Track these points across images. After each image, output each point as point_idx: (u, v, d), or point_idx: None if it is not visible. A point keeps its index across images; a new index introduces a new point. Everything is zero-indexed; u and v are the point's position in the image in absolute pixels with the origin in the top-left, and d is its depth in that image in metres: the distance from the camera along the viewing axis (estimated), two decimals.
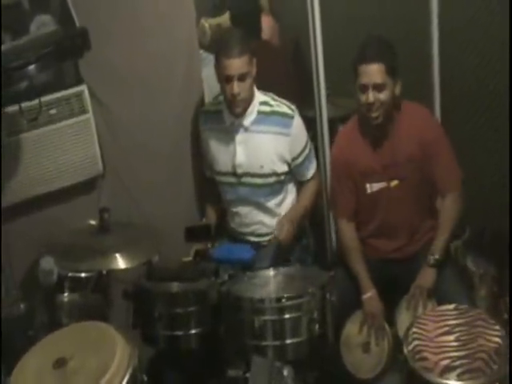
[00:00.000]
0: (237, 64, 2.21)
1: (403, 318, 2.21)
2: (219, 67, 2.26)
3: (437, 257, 2.25)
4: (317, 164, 2.58)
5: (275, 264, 2.18)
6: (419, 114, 2.32)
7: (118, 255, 1.94)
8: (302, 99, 3.08)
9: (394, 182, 2.29)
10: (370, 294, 2.29)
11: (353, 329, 2.29)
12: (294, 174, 2.44)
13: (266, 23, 3.74)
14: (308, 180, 2.48)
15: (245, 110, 2.32)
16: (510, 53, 2.32)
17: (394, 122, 2.27)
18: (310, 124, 2.95)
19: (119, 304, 2.10)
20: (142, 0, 2.42)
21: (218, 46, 2.29)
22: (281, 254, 2.29)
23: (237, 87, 2.23)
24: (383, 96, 2.18)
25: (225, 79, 2.25)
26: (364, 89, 2.19)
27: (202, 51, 2.77)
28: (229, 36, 2.30)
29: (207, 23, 3.69)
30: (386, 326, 2.26)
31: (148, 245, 2.05)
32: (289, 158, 2.37)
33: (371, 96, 2.17)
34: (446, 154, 2.29)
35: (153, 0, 2.45)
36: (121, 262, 1.93)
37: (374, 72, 2.16)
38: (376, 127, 2.25)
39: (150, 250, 2.03)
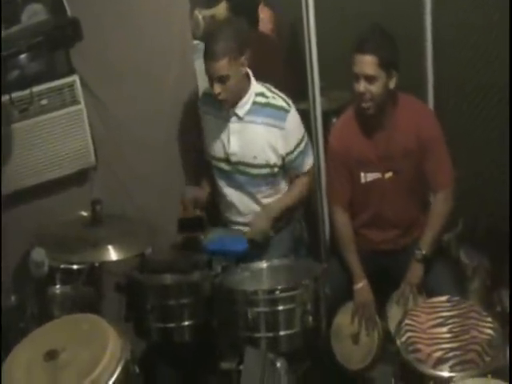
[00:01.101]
0: (215, 67, 2.20)
1: (394, 313, 2.21)
2: (205, 65, 2.27)
3: (424, 252, 2.26)
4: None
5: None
6: (418, 109, 2.32)
7: (110, 247, 1.93)
8: (298, 92, 3.08)
9: (389, 174, 2.29)
10: (361, 285, 2.29)
11: (343, 319, 2.28)
12: (287, 169, 2.41)
13: (265, 14, 3.72)
14: (299, 176, 2.44)
15: (235, 103, 2.31)
16: (510, 48, 2.29)
17: (391, 115, 2.26)
18: (304, 116, 2.95)
19: (111, 296, 2.09)
20: None
21: (204, 45, 2.27)
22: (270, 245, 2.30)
23: (217, 88, 2.23)
24: (374, 88, 2.18)
25: (208, 78, 2.27)
26: (356, 78, 2.20)
27: (197, 42, 2.75)
28: (213, 36, 2.25)
29: (201, 14, 3.66)
30: (377, 318, 2.26)
31: (141, 237, 2.04)
32: (282, 151, 2.35)
33: (362, 86, 2.18)
34: (441, 152, 2.29)
35: None
36: (113, 254, 1.92)
37: (366, 63, 2.17)
38: (371, 118, 2.25)
39: (143, 242, 2.02)
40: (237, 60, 2.24)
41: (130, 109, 2.44)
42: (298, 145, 2.38)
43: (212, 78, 2.23)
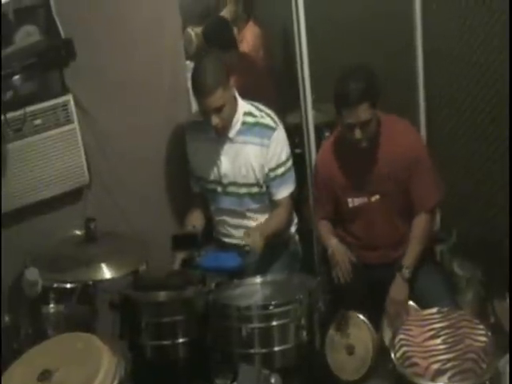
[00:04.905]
0: (211, 100, 2.22)
1: (388, 332, 2.22)
2: (197, 101, 2.29)
3: (408, 271, 2.26)
4: (303, 171, 2.57)
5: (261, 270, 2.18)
6: (401, 129, 2.31)
7: (103, 265, 1.94)
8: (290, 106, 3.11)
9: (375, 197, 2.30)
10: (333, 241, 2.31)
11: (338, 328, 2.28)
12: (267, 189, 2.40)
13: (251, 31, 3.77)
14: (277, 201, 2.41)
15: (227, 126, 2.32)
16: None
17: (375, 138, 2.26)
18: (297, 130, 2.97)
19: (106, 314, 2.09)
20: (127, 10, 2.42)
21: (192, 82, 2.29)
22: (267, 261, 2.31)
23: (215, 119, 2.25)
24: (370, 128, 2.19)
25: (203, 112, 2.28)
26: (350, 127, 2.17)
27: (188, 62, 2.78)
28: (199, 71, 2.26)
29: (193, 32, 3.73)
30: (371, 327, 2.25)
31: (134, 254, 2.05)
32: (266, 168, 2.36)
33: (358, 134, 2.17)
34: (425, 173, 2.28)
35: (138, 10, 2.45)
36: (106, 272, 1.92)
37: (359, 113, 2.13)
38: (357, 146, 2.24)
39: (137, 259, 2.03)
40: (227, 87, 2.26)
41: (123, 127, 2.45)
42: (279, 166, 2.36)
43: (208, 111, 2.25)
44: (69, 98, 2.30)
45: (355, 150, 2.25)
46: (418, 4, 2.84)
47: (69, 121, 2.31)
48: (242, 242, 2.41)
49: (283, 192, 2.41)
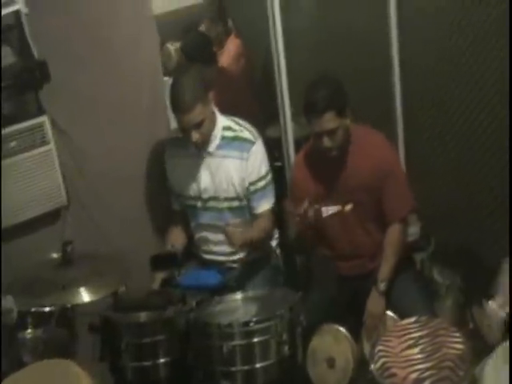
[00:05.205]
0: (190, 117, 2.22)
1: (367, 344, 2.23)
2: (176, 118, 2.29)
3: (383, 284, 2.28)
4: (282, 184, 2.58)
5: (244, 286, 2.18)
6: (373, 141, 2.33)
7: (81, 289, 1.92)
8: (270, 119, 3.12)
9: (349, 207, 2.32)
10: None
11: (319, 343, 2.28)
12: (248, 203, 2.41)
13: (232, 45, 3.80)
14: (257, 215, 2.42)
15: (207, 141, 2.33)
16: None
17: (347, 149, 2.29)
18: (277, 144, 2.99)
19: (85, 337, 2.08)
20: (104, 29, 2.42)
21: (170, 99, 2.29)
22: (249, 276, 2.30)
23: (195, 135, 2.26)
24: (337, 137, 2.21)
25: (182, 129, 2.29)
26: (318, 136, 2.21)
27: (166, 78, 2.78)
28: (177, 87, 2.26)
29: (173, 47, 3.75)
30: (351, 339, 2.26)
31: (113, 276, 2.03)
32: (246, 182, 2.37)
33: (326, 142, 2.20)
34: (397, 184, 2.31)
35: (115, 28, 2.46)
36: (84, 296, 1.91)
37: (325, 121, 2.17)
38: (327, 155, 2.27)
39: (115, 281, 2.02)
40: (206, 102, 2.27)
41: (101, 146, 2.45)
42: (258, 180, 2.38)
43: (187, 128, 2.25)
44: (44, 119, 2.29)
45: (327, 159, 2.29)
46: (394, 14, 2.88)
47: (45, 142, 2.30)
48: (223, 259, 2.43)
49: (264, 205, 2.42)
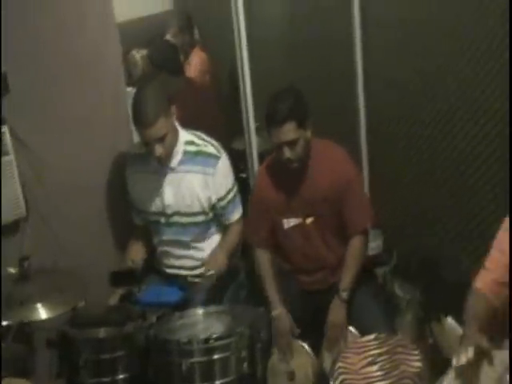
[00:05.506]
0: (152, 131, 2.20)
1: (327, 356, 2.25)
2: (138, 132, 2.27)
3: (345, 294, 2.30)
4: (246, 195, 2.58)
5: (209, 302, 2.18)
6: (333, 154, 2.36)
7: (38, 305, 1.88)
8: (237, 131, 3.13)
9: (310, 219, 2.34)
10: (278, 311, 2.32)
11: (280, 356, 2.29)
12: (218, 216, 2.43)
13: (197, 57, 3.78)
14: (232, 224, 2.46)
15: (169, 155, 2.32)
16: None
17: (308, 162, 2.31)
18: (241, 156, 2.99)
19: (44, 352, 2.04)
20: (66, 39, 2.39)
21: (132, 112, 2.27)
22: (215, 292, 2.29)
23: (158, 149, 2.24)
24: (298, 148, 2.23)
25: (144, 142, 2.26)
26: (279, 147, 2.22)
27: (130, 88, 2.75)
28: (140, 101, 2.24)
29: (139, 54, 3.70)
30: (311, 353, 2.27)
31: (71, 292, 1.99)
32: (214, 198, 2.37)
33: (286, 152, 2.22)
34: (357, 197, 2.35)
35: (77, 38, 2.42)
36: (42, 312, 1.87)
37: (285, 132, 2.18)
38: (288, 167, 2.28)
39: (74, 297, 1.98)
40: (169, 115, 2.25)
41: (62, 157, 2.41)
42: (228, 192, 2.40)
43: (149, 142, 2.23)
44: (4, 129, 2.23)
45: (289, 172, 2.30)
46: (358, 27, 2.91)
47: (4, 152, 2.23)
48: (185, 273, 2.42)
49: (235, 215, 2.45)
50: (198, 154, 2.35)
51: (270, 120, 2.21)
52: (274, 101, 2.23)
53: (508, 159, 2.31)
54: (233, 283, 2.49)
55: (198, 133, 2.42)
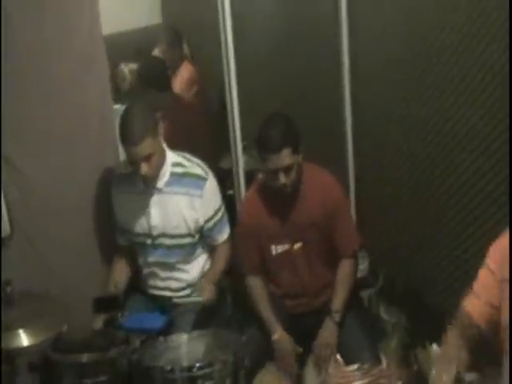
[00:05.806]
0: (138, 149, 2.19)
1: (311, 378, 2.24)
2: (125, 150, 2.26)
3: (340, 314, 2.31)
4: (233, 217, 2.57)
5: (194, 327, 2.17)
6: (322, 179, 2.36)
7: (21, 331, 1.86)
8: (224, 150, 3.11)
9: (298, 245, 2.34)
10: (278, 335, 2.31)
11: (261, 381, 2.27)
12: (206, 237, 2.43)
13: (186, 71, 3.77)
14: (220, 244, 2.45)
15: (156, 176, 2.30)
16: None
17: (297, 187, 2.31)
18: (228, 175, 2.98)
19: (26, 376, 2.01)
20: (52, 56, 2.35)
21: (120, 130, 2.26)
22: (202, 319, 2.27)
23: (144, 168, 2.22)
24: (293, 173, 2.23)
25: (131, 161, 2.25)
26: (274, 173, 2.21)
27: (118, 106, 2.73)
28: (127, 120, 2.24)
29: (127, 68, 3.69)
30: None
31: (54, 318, 1.97)
32: (201, 219, 2.36)
33: (282, 178, 2.21)
34: (345, 222, 2.37)
35: (64, 56, 2.38)
36: (24, 339, 1.85)
37: (282, 158, 2.17)
38: (279, 192, 2.28)
39: (56, 323, 1.95)
40: (156, 134, 2.24)
41: (48, 176, 2.37)
42: (215, 213, 2.39)
43: (136, 161, 2.22)
44: None
45: (279, 197, 2.30)
46: (346, 53, 2.92)
47: None
48: (170, 294, 2.41)
49: (224, 234, 2.45)
50: (184, 175, 2.34)
51: (264, 146, 2.20)
52: (269, 126, 2.22)
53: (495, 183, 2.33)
54: (219, 306, 2.47)
55: (186, 154, 2.40)
